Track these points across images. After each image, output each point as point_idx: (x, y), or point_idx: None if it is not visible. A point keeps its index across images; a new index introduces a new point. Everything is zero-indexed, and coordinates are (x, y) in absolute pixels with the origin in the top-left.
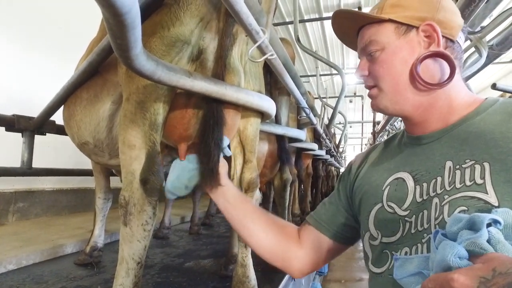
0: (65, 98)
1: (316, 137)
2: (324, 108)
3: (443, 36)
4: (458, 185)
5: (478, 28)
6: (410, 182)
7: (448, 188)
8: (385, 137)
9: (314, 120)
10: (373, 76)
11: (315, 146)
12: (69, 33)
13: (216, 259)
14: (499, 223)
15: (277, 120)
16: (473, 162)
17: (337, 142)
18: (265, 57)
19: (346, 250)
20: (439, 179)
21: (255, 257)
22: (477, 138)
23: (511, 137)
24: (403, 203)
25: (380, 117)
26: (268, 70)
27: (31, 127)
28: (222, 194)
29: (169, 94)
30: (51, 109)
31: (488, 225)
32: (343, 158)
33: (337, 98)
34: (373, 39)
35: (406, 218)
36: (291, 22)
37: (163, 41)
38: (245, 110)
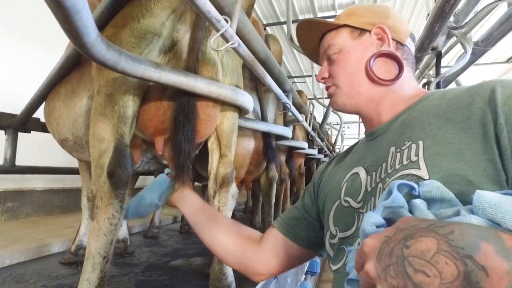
0: (45, 94)
1: (309, 136)
2: (313, 106)
3: (393, 39)
4: (397, 166)
5: (462, 24)
6: (362, 175)
7: (389, 171)
8: None
9: (300, 117)
10: (331, 76)
11: (305, 144)
12: (57, 31)
13: (202, 258)
14: (415, 188)
15: (263, 117)
16: (410, 142)
17: (333, 142)
18: (226, 46)
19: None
20: (384, 165)
21: None
22: (416, 121)
23: (442, 115)
24: (357, 196)
25: None
26: None
27: (14, 124)
28: (186, 202)
29: (140, 87)
30: (33, 105)
31: (413, 196)
32: None
33: None
34: (331, 43)
35: (359, 210)
36: (285, 22)
37: (133, 33)
38: (223, 104)
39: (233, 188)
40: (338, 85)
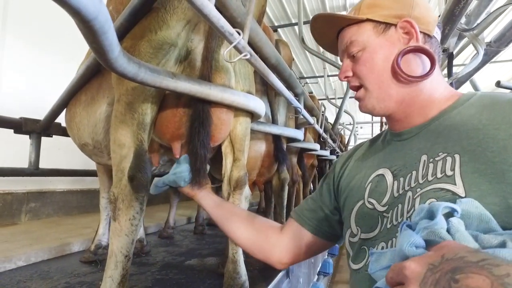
0: (67, 101)
1: (321, 138)
2: (325, 108)
3: (420, 32)
4: (430, 178)
5: (474, 25)
6: (389, 178)
7: (421, 181)
8: None
9: (311, 120)
10: (357, 76)
11: (317, 146)
12: (78, 40)
13: (216, 257)
14: (457, 211)
15: (273, 120)
16: (445, 154)
17: (345, 143)
18: (238, 57)
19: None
20: (414, 173)
21: (247, 255)
22: (451, 131)
23: (481, 129)
24: (382, 199)
25: None
26: None
27: (37, 129)
28: (206, 197)
29: (157, 95)
30: (55, 112)
31: (451, 215)
32: None
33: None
34: (353, 39)
35: (384, 214)
36: (296, 24)
37: (151, 44)
38: (236, 110)
39: (246, 190)
40: (367, 88)
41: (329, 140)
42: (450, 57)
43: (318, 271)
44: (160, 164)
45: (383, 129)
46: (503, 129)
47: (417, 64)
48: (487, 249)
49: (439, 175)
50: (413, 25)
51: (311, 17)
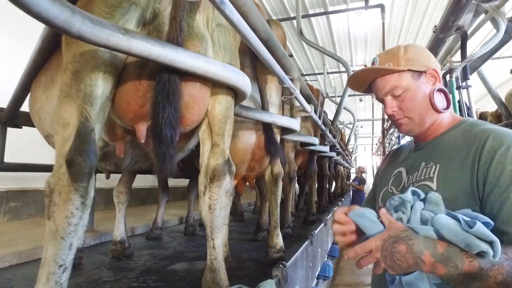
0: (27, 83)
1: (320, 131)
2: (323, 97)
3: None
4: (422, 177)
5: None
6: (404, 174)
7: (417, 179)
8: (395, 134)
9: (308, 107)
10: (403, 110)
11: (315, 140)
12: None
13: (204, 261)
14: (419, 193)
15: (263, 109)
16: (433, 163)
17: (346, 141)
18: None
19: None
20: (416, 173)
21: (239, 259)
22: (440, 148)
23: (456, 150)
24: (398, 187)
25: None
26: (251, 51)
27: (2, 119)
28: None
29: (112, 63)
30: (17, 97)
31: (423, 197)
32: (353, 158)
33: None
34: (397, 85)
35: None
36: (295, 18)
37: (106, 2)
38: (214, 86)
39: (227, 183)
40: (412, 118)
41: (328, 134)
42: (464, 36)
43: (318, 275)
44: (134, 160)
45: (384, 126)
46: (465, 151)
47: (440, 99)
48: (415, 226)
49: (426, 176)
50: (438, 72)
51: (309, 10)
